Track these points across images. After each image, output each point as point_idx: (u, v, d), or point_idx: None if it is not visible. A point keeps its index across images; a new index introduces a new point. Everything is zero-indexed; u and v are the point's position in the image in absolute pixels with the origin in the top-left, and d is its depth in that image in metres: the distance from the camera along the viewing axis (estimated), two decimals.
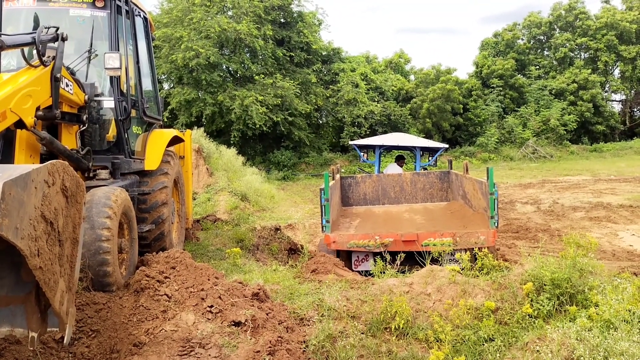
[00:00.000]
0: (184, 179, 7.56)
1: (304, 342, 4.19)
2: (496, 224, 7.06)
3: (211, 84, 29.03)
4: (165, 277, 4.34)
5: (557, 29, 42.09)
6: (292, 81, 30.75)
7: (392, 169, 12.31)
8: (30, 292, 2.64)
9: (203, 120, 29.69)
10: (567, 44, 40.27)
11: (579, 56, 41.91)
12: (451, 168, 10.70)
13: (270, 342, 3.82)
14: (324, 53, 35.36)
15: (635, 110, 43.61)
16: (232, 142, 28.37)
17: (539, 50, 43.26)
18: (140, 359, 3.45)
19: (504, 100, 38.07)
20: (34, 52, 4.36)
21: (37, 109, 4.24)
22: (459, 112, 35.80)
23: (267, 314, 4.28)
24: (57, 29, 4.52)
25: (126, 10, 6.04)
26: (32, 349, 2.92)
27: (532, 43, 42.89)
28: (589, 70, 38.42)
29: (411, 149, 12.53)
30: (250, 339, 3.87)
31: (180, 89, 29.10)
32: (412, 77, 41.26)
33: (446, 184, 10.43)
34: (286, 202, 20.59)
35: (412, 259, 6.62)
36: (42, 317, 2.68)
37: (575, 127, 36.89)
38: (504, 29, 42.88)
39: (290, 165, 32.10)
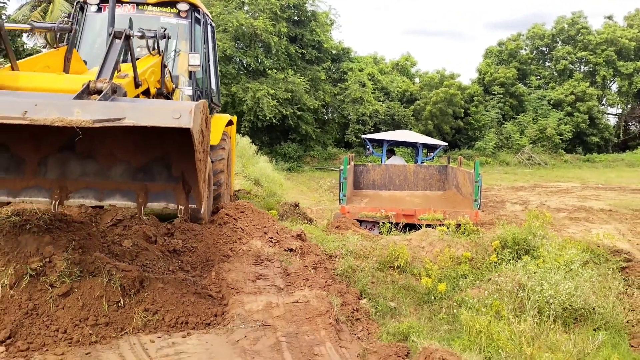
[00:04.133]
0: (231, 155, 9.22)
1: (334, 268, 5.90)
2: (479, 206, 8.79)
3: (226, 75, 30.49)
4: (238, 217, 6.06)
5: (560, 42, 43.75)
6: (302, 77, 32.32)
7: (393, 160, 14.07)
8: (178, 183, 4.13)
9: None
10: (568, 57, 41.86)
11: (578, 69, 43.54)
12: (449, 163, 12.48)
13: (314, 261, 5.54)
14: (334, 52, 36.96)
15: (629, 124, 45.31)
16: (242, 132, 29.85)
17: (540, 61, 44.89)
18: (228, 264, 5.13)
19: (504, 108, 39.70)
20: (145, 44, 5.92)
21: None
22: (460, 116, 37.44)
23: (307, 248, 6.00)
24: (165, 29, 6.15)
25: (202, 20, 7.72)
26: (179, 216, 4.41)
27: (534, 54, 44.54)
28: (587, 84, 40.00)
29: (414, 144, 14.27)
30: (300, 260, 5.59)
31: None
32: (417, 79, 42.89)
33: (444, 176, 12.21)
34: (293, 190, 22.18)
35: (411, 229, 8.34)
36: (187, 197, 4.15)
37: (570, 137, 38.51)
38: (508, 39, 44.51)
39: (296, 158, 33.62)
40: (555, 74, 43.13)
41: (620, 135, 43.35)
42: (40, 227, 4.70)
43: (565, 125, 38.49)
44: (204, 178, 4.02)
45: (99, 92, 3.76)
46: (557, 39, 43.78)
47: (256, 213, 6.35)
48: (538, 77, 43.20)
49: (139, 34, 5.25)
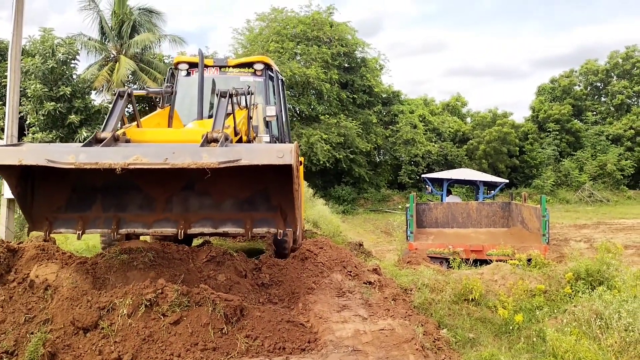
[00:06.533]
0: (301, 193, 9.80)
1: (410, 301, 6.15)
2: (547, 240, 8.87)
3: None
4: (318, 252, 6.46)
5: (614, 77, 43.08)
6: (354, 121, 33.13)
7: (451, 199, 14.31)
8: (277, 211, 4.82)
9: None
10: (625, 91, 41.17)
11: (636, 103, 42.61)
12: (512, 199, 12.58)
13: (392, 293, 5.82)
14: (384, 95, 37.76)
15: None
16: None
17: (595, 97, 44.26)
18: (313, 296, 5.48)
19: (560, 144, 39.14)
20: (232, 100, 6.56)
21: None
22: (515, 155, 37.13)
23: (384, 282, 6.29)
24: (249, 87, 6.82)
25: (274, 77, 8.46)
26: (279, 237, 5.05)
27: (589, 89, 43.99)
28: None
29: (474, 182, 14.44)
30: (379, 292, 5.88)
31: None
32: (468, 119, 42.99)
33: (507, 212, 12.30)
34: (350, 232, 22.45)
35: (480, 265, 8.47)
36: (284, 222, 4.82)
37: (632, 172, 37.49)
38: (560, 75, 44.25)
39: (350, 200, 34.02)
40: (612, 109, 42.39)
41: None
42: (146, 263, 5.23)
43: (626, 160, 37.56)
44: (297, 207, 4.70)
45: (215, 140, 4.55)
46: (612, 73, 43.18)
47: (334, 248, 6.75)
48: (594, 113, 42.52)
49: (234, 92, 5.95)
